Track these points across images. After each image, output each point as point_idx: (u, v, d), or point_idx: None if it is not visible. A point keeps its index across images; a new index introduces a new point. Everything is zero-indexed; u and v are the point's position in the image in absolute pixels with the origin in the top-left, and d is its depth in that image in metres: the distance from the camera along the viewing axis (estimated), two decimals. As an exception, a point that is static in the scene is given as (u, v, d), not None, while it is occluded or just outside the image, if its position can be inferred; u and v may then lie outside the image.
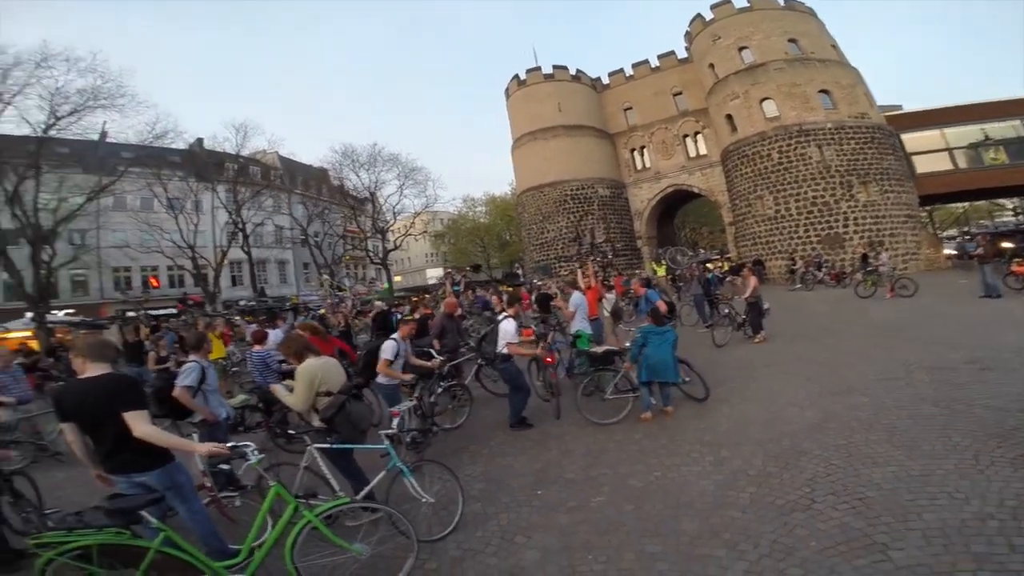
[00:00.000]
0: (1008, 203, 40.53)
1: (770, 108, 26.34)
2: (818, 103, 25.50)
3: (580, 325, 7.90)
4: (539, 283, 24.66)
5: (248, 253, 33.03)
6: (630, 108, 35.51)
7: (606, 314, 9.29)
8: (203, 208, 32.32)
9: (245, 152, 33.69)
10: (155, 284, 30.60)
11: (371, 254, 42.09)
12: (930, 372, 6.50)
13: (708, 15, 29.85)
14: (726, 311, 11.53)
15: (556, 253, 33.09)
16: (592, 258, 21.16)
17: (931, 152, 26.21)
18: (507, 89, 37.58)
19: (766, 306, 10.63)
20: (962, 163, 26.12)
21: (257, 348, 7.13)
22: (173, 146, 28.05)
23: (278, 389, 4.47)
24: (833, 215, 24.34)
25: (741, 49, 28.10)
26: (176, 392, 4.43)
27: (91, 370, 3.08)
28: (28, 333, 20.18)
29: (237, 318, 22.41)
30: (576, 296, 8.27)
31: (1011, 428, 4.42)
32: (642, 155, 35.18)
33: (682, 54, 33.70)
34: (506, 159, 45.95)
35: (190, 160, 31.97)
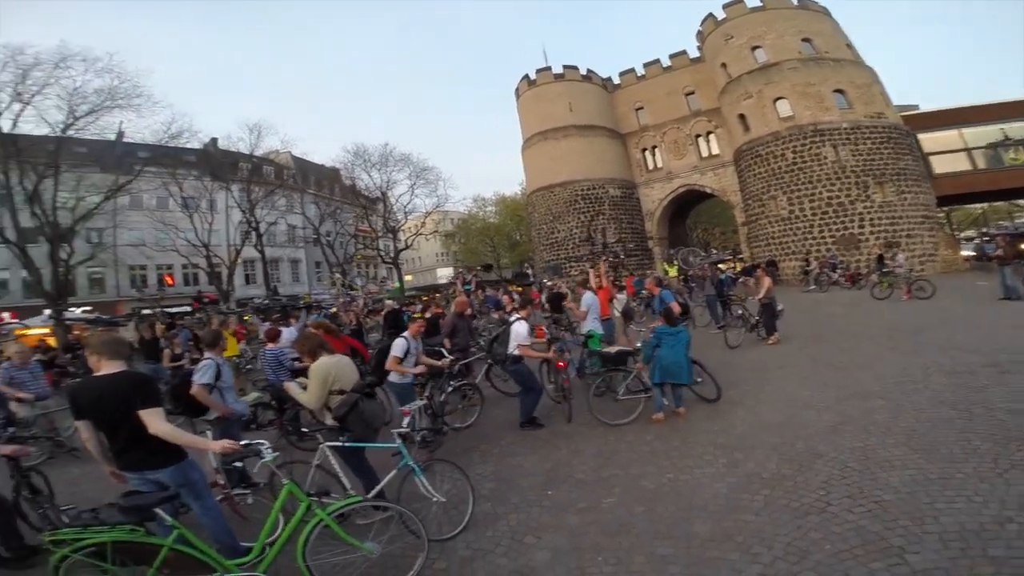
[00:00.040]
0: (1029, 204, 39.69)
1: (784, 108, 26.01)
2: (833, 103, 25.15)
3: (592, 325, 7.90)
4: (549, 283, 24.65)
5: (261, 252, 33.40)
6: (641, 108, 35.26)
7: (617, 314, 9.26)
8: (217, 207, 32.73)
9: (259, 152, 34.10)
10: (170, 282, 31.00)
11: (382, 253, 42.41)
12: (949, 375, 6.37)
13: (720, 14, 29.52)
14: (739, 312, 11.43)
15: (566, 253, 32.96)
16: (604, 258, 21.08)
17: (949, 152, 25.72)
18: (517, 89, 37.50)
19: (780, 307, 10.50)
20: (981, 163, 25.58)
21: (270, 346, 7.18)
22: (188, 146, 28.40)
23: (292, 387, 4.49)
24: (848, 216, 23.99)
25: (754, 48, 27.78)
26: (194, 390, 4.47)
27: (106, 367, 3.10)
28: (47, 330, 20.59)
29: (251, 316, 22.65)
30: (588, 296, 8.26)
31: (1032, 432, 4.32)
32: (653, 155, 34.90)
33: (694, 54, 33.38)
34: (516, 159, 45.94)
35: (205, 160, 32.39)
